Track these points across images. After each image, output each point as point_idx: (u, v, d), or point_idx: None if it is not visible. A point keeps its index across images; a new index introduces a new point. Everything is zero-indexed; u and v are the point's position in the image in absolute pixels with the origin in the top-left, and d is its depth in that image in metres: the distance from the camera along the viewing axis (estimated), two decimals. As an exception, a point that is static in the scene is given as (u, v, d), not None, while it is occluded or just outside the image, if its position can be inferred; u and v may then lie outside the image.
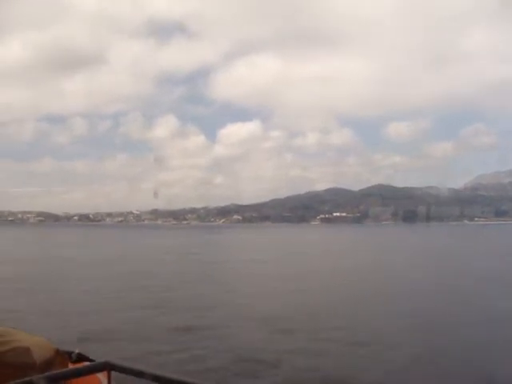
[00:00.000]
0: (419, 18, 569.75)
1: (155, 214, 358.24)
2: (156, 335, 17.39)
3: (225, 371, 13.54)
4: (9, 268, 40.38)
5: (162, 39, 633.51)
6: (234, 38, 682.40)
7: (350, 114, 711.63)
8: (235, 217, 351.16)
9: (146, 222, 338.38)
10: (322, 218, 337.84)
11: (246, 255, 58.33)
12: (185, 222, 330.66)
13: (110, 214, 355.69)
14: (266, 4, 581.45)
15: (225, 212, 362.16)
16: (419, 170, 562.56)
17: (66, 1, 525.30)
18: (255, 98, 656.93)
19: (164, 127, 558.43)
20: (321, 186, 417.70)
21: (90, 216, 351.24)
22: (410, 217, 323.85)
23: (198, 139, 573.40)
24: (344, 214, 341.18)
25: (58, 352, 3.50)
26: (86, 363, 3.39)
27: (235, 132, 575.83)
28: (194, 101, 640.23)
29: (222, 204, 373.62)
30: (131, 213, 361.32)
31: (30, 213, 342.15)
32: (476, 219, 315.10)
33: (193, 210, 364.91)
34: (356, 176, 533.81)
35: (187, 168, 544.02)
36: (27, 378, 2.73)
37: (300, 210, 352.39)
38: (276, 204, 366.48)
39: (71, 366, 3.48)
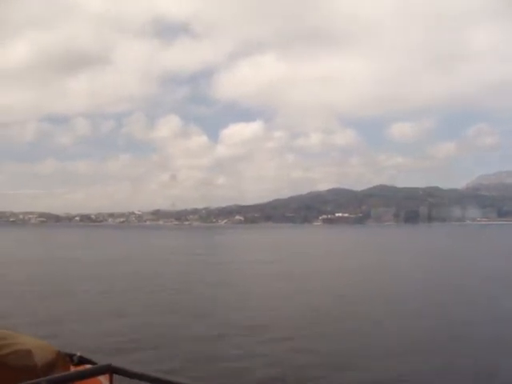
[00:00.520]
0: (420, 18, 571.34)
1: (157, 214, 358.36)
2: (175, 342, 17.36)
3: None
4: (13, 269, 40.69)
5: (167, 40, 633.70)
6: (238, 38, 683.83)
7: (353, 114, 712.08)
8: (237, 217, 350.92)
9: (147, 222, 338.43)
10: (324, 219, 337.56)
11: (251, 256, 58.47)
12: (187, 223, 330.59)
13: (111, 215, 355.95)
14: (269, 5, 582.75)
15: (227, 212, 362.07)
16: (422, 170, 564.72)
17: (70, 1, 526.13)
18: (258, 98, 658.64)
19: (167, 127, 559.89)
20: (323, 187, 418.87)
21: (92, 216, 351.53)
22: (411, 217, 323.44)
23: (200, 139, 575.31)
24: (346, 215, 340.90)
25: (59, 354, 3.58)
26: (88, 366, 3.43)
27: (238, 132, 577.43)
28: (197, 101, 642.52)
29: (224, 204, 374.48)
30: (133, 213, 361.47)
31: (31, 213, 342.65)
32: (478, 219, 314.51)
33: (195, 211, 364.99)
34: (358, 176, 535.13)
35: (189, 168, 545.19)
36: (29, 381, 2.74)
37: (302, 210, 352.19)
38: (278, 204, 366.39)
39: (73, 369, 3.52)
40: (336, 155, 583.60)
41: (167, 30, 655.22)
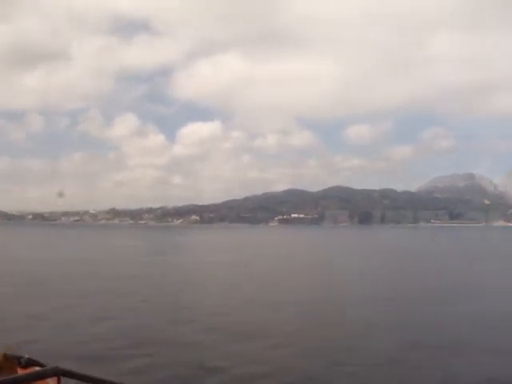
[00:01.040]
0: (384, 21, 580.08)
1: (112, 213, 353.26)
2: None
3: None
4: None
5: (125, 37, 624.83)
6: (199, 37, 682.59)
7: (312, 116, 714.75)
8: (193, 217, 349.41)
9: (102, 221, 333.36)
10: (280, 219, 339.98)
11: (210, 257, 58.94)
12: (142, 222, 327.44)
13: (65, 214, 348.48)
14: (231, 5, 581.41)
15: (183, 212, 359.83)
16: (378, 172, 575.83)
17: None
18: (217, 98, 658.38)
19: (123, 126, 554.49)
20: (279, 187, 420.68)
21: (45, 215, 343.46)
22: (366, 219, 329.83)
23: (157, 138, 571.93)
24: (302, 216, 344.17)
25: (5, 357, 3.53)
26: (37, 368, 3.40)
27: (195, 131, 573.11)
28: (155, 99, 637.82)
29: (181, 204, 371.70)
30: (88, 212, 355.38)
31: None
32: (432, 221, 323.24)
33: (150, 210, 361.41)
34: (315, 178, 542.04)
35: (145, 167, 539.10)
36: None
37: (258, 210, 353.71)
38: (234, 205, 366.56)
39: (20, 372, 3.45)
40: (293, 156, 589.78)
41: (127, 28, 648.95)
